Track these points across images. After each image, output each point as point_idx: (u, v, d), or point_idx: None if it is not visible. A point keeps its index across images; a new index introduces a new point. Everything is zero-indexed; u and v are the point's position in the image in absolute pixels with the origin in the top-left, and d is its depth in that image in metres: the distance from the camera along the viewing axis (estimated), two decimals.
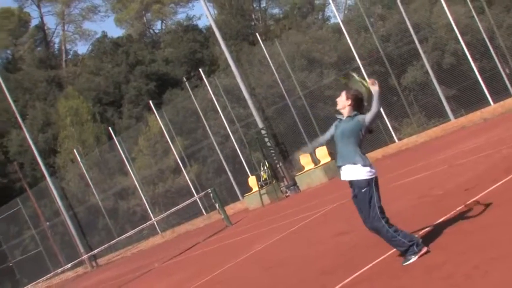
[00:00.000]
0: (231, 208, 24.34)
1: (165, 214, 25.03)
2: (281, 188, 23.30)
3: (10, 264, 36.50)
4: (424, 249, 6.71)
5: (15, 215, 35.88)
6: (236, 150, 26.07)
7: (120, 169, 31.66)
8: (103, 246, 24.79)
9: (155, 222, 27.65)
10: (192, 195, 26.68)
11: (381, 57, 22.53)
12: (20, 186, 36.64)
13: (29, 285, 25.10)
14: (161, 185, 30.00)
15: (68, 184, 34.20)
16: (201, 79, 26.94)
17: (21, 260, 36.37)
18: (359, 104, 6.96)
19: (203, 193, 23.67)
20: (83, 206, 33.59)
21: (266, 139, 23.80)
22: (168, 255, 19.76)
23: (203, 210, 27.39)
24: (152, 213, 29.27)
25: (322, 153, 22.06)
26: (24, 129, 32.48)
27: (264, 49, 24.87)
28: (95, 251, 26.34)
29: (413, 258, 6.68)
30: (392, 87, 23.07)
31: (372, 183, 6.79)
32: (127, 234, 24.54)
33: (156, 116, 28.85)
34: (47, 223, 34.12)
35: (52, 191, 32.55)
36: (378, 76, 23.25)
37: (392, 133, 21.84)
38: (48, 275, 24.64)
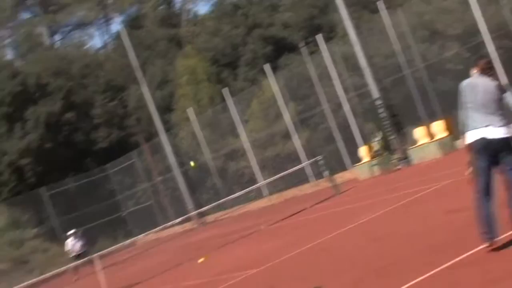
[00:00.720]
0: (339, 177, 24.12)
1: (273, 178, 25.16)
2: (393, 161, 22.84)
3: (123, 214, 38.09)
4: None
5: (130, 167, 37.28)
6: (349, 119, 25.72)
7: (232, 130, 32.04)
8: (211, 205, 25.30)
9: (262, 185, 27.89)
10: (301, 161, 26.66)
11: (510, 31, 21.36)
12: (136, 140, 37.97)
13: (140, 235, 26.04)
14: (271, 149, 30.14)
15: (181, 141, 35.05)
16: (318, 45, 26.63)
17: (133, 211, 37.85)
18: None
19: (312, 160, 23.59)
20: None
21: (381, 110, 23.30)
22: (274, 218, 19.89)
23: (311, 176, 27.31)
24: (260, 176, 29.52)
25: (438, 128, 21.37)
26: (143, 85, 33.51)
27: (386, 18, 24.21)
28: (203, 208, 26.91)
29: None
30: None
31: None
32: (235, 195, 24.90)
33: (270, 80, 28.89)
34: (159, 177, 35.21)
35: (166, 147, 33.53)
36: (505, 51, 22.09)
37: None
38: (158, 228, 25.43)
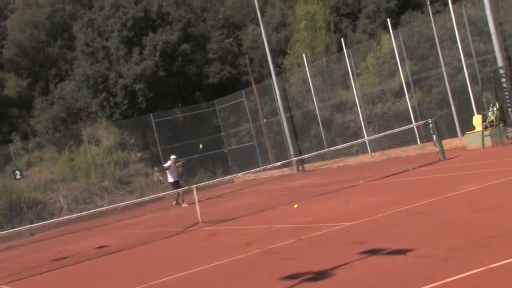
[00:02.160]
0: (447, 143, 23.40)
1: (379, 135, 24.73)
2: (507, 134, 21.87)
3: (225, 151, 38.72)
4: None
5: (237, 106, 37.66)
6: (466, 85, 24.73)
7: (343, 82, 31.63)
8: (312, 153, 25.27)
9: (366, 141, 27.53)
10: (410, 122, 26.03)
11: None
12: (246, 79, 38.20)
13: (239, 173, 26.45)
14: (380, 106, 29.56)
15: (290, 86, 34.96)
16: (446, 5, 25.59)
17: (235, 149, 38.42)
18: None
19: (422, 122, 22.98)
20: (300, 111, 34.29)
21: (503, 80, 22.23)
22: (374, 175, 19.64)
23: (417, 139, 26.68)
24: (365, 131, 29.12)
25: None
26: (261, 26, 33.45)
27: None
28: (304, 156, 26.91)
29: None
30: None
31: None
32: (338, 147, 24.72)
33: (390, 36, 28.14)
34: (264, 119, 35.41)
35: (275, 90, 33.57)
36: None
37: None
38: (257, 169, 25.68)
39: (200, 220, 17.19)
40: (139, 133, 38.03)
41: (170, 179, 25.83)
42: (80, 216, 22.52)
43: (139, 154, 37.49)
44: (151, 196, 23.07)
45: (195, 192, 18.09)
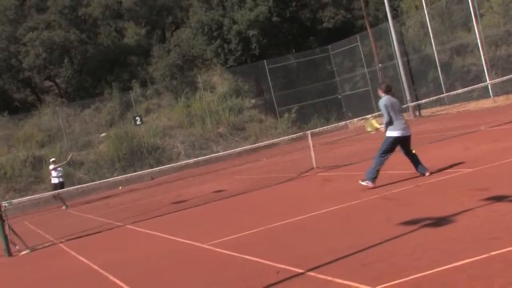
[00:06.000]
0: None
1: (503, 78, 23.51)
2: None
3: (339, 97, 38.27)
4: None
5: (352, 51, 36.94)
6: None
7: (464, 23, 30.18)
8: (430, 98, 24.42)
9: (488, 85, 26.28)
10: None
11: None
12: (361, 23, 37.30)
13: (354, 119, 26.05)
14: (504, 48, 28.06)
15: (407, 30, 33.82)
16: None
17: (349, 94, 37.87)
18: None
19: None
20: (417, 55, 33.18)
21: None
22: (497, 121, 18.76)
23: None
24: (487, 75, 27.77)
25: None
26: None
27: None
28: (421, 101, 26.11)
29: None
30: None
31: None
32: (457, 91, 23.77)
33: None
34: (380, 64, 34.55)
35: (391, 34, 32.58)
36: None
37: None
38: (372, 115, 25.20)
39: (314, 165, 17.16)
40: (253, 80, 38.20)
41: (54, 180, 24.29)
42: (197, 161, 23.06)
43: (253, 101, 37.74)
44: (265, 142, 23.22)
45: (309, 137, 18.03)
